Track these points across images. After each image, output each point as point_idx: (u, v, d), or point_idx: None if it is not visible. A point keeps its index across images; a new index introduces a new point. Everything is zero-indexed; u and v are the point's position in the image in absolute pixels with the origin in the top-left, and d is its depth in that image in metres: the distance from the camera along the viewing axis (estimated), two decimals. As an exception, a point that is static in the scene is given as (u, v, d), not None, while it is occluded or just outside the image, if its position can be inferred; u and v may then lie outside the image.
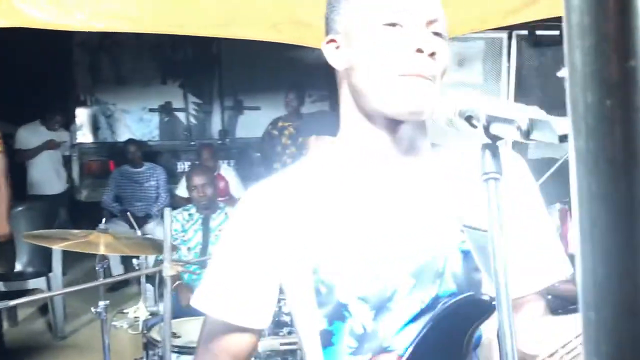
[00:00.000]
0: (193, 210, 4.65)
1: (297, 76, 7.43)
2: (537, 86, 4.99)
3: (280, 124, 6.74)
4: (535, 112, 0.81)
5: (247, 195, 1.32)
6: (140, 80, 7.88)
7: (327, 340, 1.26)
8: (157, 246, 2.92)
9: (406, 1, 1.21)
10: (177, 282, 4.10)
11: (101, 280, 2.65)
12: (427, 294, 1.23)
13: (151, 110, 7.96)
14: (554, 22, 4.70)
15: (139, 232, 4.55)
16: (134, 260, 3.48)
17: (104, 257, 2.83)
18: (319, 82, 7.99)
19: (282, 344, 2.56)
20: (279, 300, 2.90)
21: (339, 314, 1.24)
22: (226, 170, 6.58)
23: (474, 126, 0.89)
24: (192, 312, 3.93)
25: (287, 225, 1.26)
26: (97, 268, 2.80)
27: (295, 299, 1.29)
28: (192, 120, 8.06)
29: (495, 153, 0.87)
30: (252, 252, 1.28)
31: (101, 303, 2.83)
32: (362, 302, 1.23)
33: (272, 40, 3.84)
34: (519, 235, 1.24)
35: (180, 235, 4.59)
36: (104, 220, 2.99)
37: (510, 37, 4.92)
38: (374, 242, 1.24)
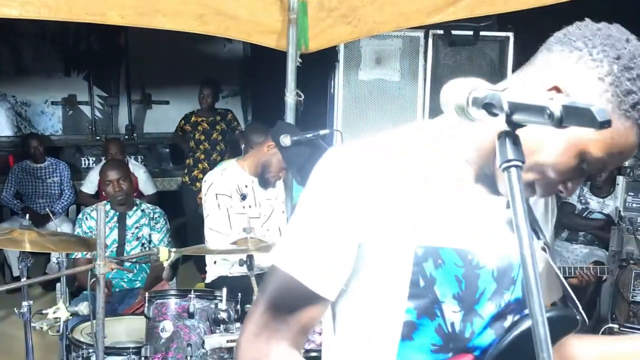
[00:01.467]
0: (107, 206, 4.49)
1: (208, 70, 7.31)
2: (452, 85, 5.09)
3: (193, 118, 6.62)
4: (564, 98, 0.82)
5: (341, 156, 1.24)
6: (42, 71, 7.52)
7: (409, 333, 1.24)
8: (85, 243, 2.80)
9: None
10: (93, 280, 3.96)
11: (25, 281, 2.50)
12: (502, 298, 1.28)
13: (54, 103, 7.60)
14: (469, 23, 4.83)
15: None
16: (53, 259, 3.31)
17: (27, 255, 2.68)
18: (230, 76, 7.90)
19: (228, 341, 2.50)
20: (215, 297, 2.86)
21: (430, 310, 1.23)
22: (134, 166, 6.38)
23: (494, 114, 0.89)
24: (113, 312, 3.82)
25: (384, 199, 1.20)
26: (19, 267, 2.64)
27: (379, 283, 1.23)
28: (98, 114, 7.77)
29: (516, 140, 0.87)
30: (343, 222, 1.21)
31: (24, 303, 2.68)
32: (455, 302, 1.23)
33: (198, 32, 3.76)
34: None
35: (95, 233, 4.42)
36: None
37: (427, 36, 4.99)
38: (470, 243, 1.24)
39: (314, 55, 4.03)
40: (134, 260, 3.56)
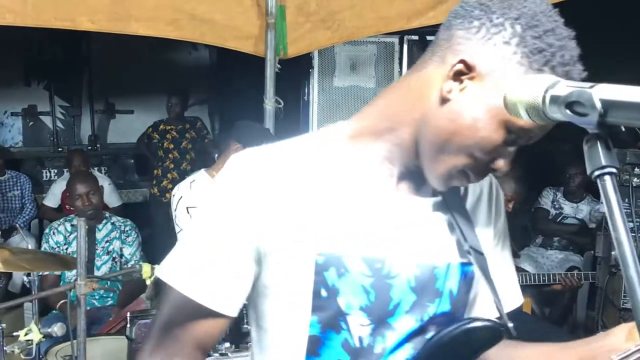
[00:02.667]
0: (75, 220, 4.29)
1: (173, 78, 7.15)
2: (427, 90, 5.03)
3: (162, 127, 6.44)
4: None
5: (240, 161, 1.14)
6: (1, 81, 7.27)
7: (314, 349, 1.15)
8: (62, 261, 2.63)
9: None
10: (61, 302, 3.76)
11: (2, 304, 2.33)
12: (425, 311, 1.17)
13: (13, 114, 7.36)
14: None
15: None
16: (25, 278, 3.12)
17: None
18: (197, 84, 7.74)
19: None
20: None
21: (335, 323, 1.14)
22: (98, 178, 6.15)
23: (582, 115, 0.78)
24: (87, 332, 3.63)
25: (285, 205, 1.11)
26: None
27: (280, 294, 1.14)
28: (60, 124, 7.54)
29: (607, 144, 0.77)
30: (238, 230, 1.11)
31: (-3, 327, 2.50)
32: (363, 314, 1.14)
33: (172, 37, 3.61)
34: (496, 257, 1.28)
35: (63, 248, 4.23)
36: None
37: (401, 42, 4.94)
38: (381, 249, 1.14)
39: (287, 61, 3.92)
40: (113, 279, 3.37)
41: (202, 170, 3.86)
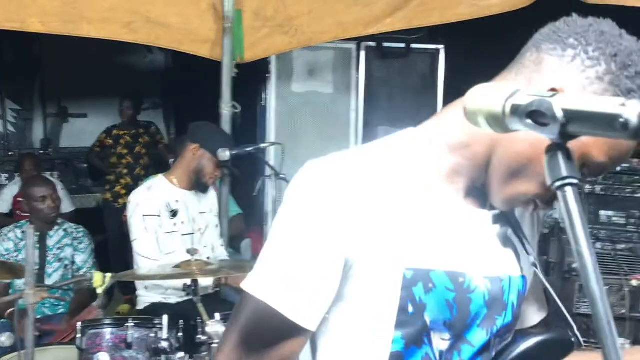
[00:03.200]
0: (26, 227, 4.18)
1: (128, 82, 7.04)
2: (384, 98, 5.04)
3: (115, 132, 6.33)
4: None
5: (321, 169, 1.11)
6: (-52, 84, 7.08)
7: None
8: (10, 269, 2.55)
9: None
10: (10, 310, 3.65)
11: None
12: (494, 324, 1.18)
13: (-38, 117, 7.17)
14: (400, 35, 4.79)
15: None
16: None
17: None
18: (152, 88, 7.63)
19: None
20: (155, 325, 2.64)
21: (419, 338, 1.12)
22: (51, 183, 6.04)
23: (543, 125, 0.77)
24: (37, 342, 3.53)
25: (371, 216, 1.09)
26: None
27: (364, 310, 1.12)
28: (11, 128, 7.35)
29: (569, 155, 0.76)
30: (327, 242, 1.08)
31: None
32: (445, 329, 1.13)
33: (126, 41, 3.55)
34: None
35: (13, 256, 4.10)
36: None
37: (359, 48, 4.93)
38: (461, 264, 1.14)
39: (244, 66, 3.89)
40: (64, 287, 3.29)
41: (160, 176, 3.77)
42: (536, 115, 0.78)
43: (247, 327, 1.12)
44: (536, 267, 1.22)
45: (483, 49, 4.90)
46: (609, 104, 0.72)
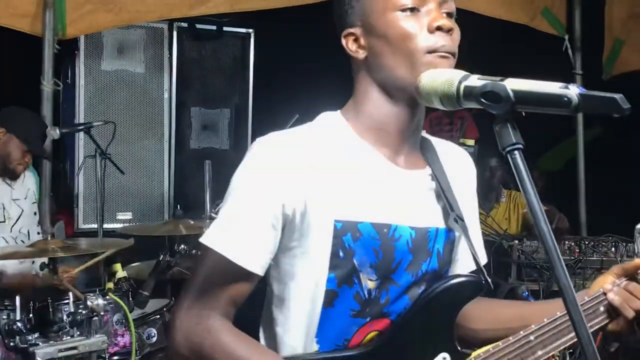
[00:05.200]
0: None
1: None
2: (197, 79, 5.10)
3: None
4: (577, 88, 0.94)
5: (265, 141, 1.34)
6: None
7: (330, 301, 1.33)
8: None
9: None
10: None
11: None
12: (419, 268, 1.39)
13: None
14: (212, 17, 4.88)
15: None
16: None
17: None
18: None
19: (60, 351, 2.26)
20: (6, 307, 2.55)
21: (349, 279, 1.32)
22: None
23: (496, 103, 0.98)
24: None
25: (305, 177, 1.30)
26: None
27: (302, 254, 1.32)
28: None
29: (514, 126, 0.98)
30: (267, 197, 1.30)
31: None
32: (372, 271, 1.33)
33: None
34: (470, 222, 1.48)
35: None
36: None
37: (171, 28, 4.93)
38: (386, 216, 1.34)
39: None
40: None
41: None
42: (490, 95, 1.00)
43: (205, 273, 1.33)
44: (457, 221, 1.43)
45: (290, 35, 5.15)
46: (554, 87, 0.95)
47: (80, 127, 3.26)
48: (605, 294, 1.42)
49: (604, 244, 3.73)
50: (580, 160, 5.02)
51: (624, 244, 3.71)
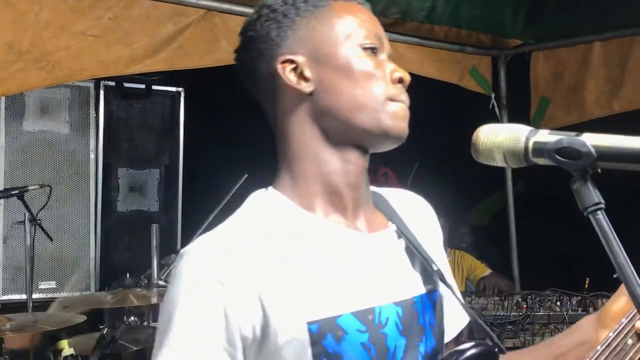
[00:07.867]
0: None
1: None
2: (125, 139, 4.91)
3: None
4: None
5: (191, 256, 1.07)
6: None
7: None
8: None
9: (378, 28, 1.19)
10: None
11: None
12: (417, 352, 1.16)
13: None
14: (141, 76, 4.73)
15: None
16: None
17: None
18: None
19: None
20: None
21: None
22: None
23: (574, 160, 0.92)
24: None
25: (256, 284, 1.05)
26: None
27: None
28: None
29: (594, 184, 0.93)
30: (216, 326, 1.04)
31: None
32: None
33: None
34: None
35: None
36: None
37: (97, 87, 4.75)
38: (367, 298, 1.12)
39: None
40: None
41: None
42: (564, 151, 0.94)
43: None
44: (441, 279, 1.22)
45: (222, 93, 5.06)
46: (637, 142, 0.91)
47: (15, 192, 3.03)
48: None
49: (549, 298, 3.77)
50: (511, 213, 5.11)
51: (568, 297, 3.77)
